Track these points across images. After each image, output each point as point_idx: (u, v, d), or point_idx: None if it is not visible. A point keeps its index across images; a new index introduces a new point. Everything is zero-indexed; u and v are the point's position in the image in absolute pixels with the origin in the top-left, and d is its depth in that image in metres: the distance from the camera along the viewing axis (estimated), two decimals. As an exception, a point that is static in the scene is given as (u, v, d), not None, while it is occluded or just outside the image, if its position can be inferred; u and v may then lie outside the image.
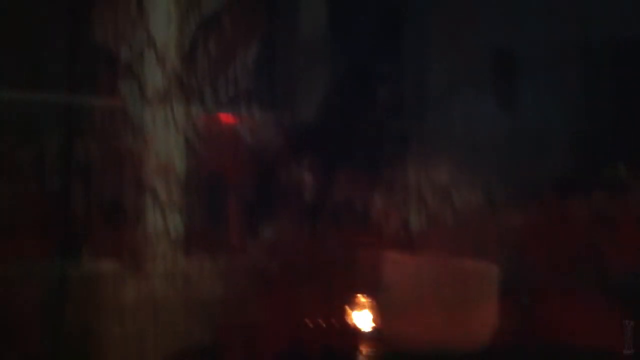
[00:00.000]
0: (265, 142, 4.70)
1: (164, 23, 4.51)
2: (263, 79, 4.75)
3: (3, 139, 4.18)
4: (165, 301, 4.37)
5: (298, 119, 4.87)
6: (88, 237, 4.33)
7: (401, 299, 4.43)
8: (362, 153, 4.72)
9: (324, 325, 4.51)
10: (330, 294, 4.49)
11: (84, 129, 4.40)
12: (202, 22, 4.62)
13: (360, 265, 4.54)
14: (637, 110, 4.55)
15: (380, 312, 4.48)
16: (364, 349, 4.49)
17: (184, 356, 4.31)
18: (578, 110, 4.62)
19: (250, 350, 4.33)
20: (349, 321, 4.55)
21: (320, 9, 5.00)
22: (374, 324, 4.52)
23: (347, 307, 4.56)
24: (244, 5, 4.72)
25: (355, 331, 4.52)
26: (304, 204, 4.69)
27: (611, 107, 4.64)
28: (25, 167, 4.25)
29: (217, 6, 4.67)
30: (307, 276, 4.50)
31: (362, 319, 4.55)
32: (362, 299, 4.55)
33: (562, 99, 4.63)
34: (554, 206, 4.41)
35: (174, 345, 4.34)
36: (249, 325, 4.36)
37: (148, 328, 4.31)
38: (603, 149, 4.55)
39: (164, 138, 4.50)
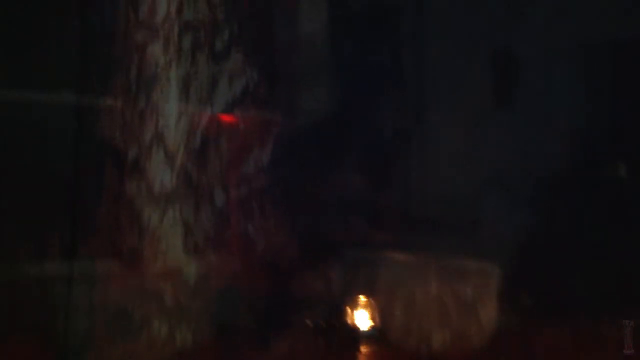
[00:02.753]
0: (278, 247, 4.47)
1: (173, 118, 4.29)
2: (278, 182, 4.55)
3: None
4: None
5: (311, 224, 4.66)
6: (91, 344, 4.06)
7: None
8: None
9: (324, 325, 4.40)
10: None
11: (88, 228, 4.15)
12: (214, 117, 4.40)
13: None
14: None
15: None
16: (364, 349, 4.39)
17: None
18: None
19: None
20: (349, 321, 4.47)
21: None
22: (373, 324, 4.43)
23: (347, 307, 4.46)
24: (258, 100, 4.52)
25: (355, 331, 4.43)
26: (317, 316, 4.45)
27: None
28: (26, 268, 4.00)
29: (230, 101, 4.46)
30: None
31: (362, 319, 4.46)
32: (362, 298, 4.46)
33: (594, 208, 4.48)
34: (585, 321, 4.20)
35: None
36: None
37: None
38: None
39: (172, 240, 4.25)
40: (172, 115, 4.29)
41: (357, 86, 4.81)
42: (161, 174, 4.23)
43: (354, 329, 4.44)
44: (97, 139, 4.18)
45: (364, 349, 4.38)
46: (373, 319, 4.44)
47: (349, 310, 4.47)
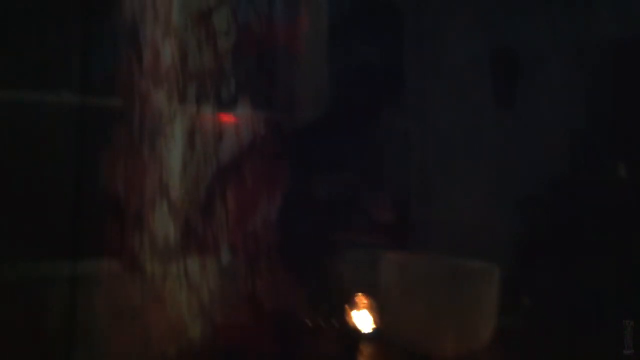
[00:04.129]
0: (287, 305, 4.28)
1: (178, 171, 4.13)
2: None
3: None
4: None
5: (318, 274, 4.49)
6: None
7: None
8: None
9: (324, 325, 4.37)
10: None
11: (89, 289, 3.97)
12: (220, 171, 4.25)
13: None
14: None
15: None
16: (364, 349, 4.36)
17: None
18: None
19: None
20: (349, 321, 4.44)
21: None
22: (374, 324, 4.41)
23: (347, 307, 4.44)
24: (266, 153, 4.37)
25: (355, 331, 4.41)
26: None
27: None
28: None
29: (237, 153, 4.32)
30: None
31: (362, 319, 4.43)
32: (362, 299, 4.44)
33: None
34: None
35: None
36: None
37: None
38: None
39: (176, 296, 4.06)
40: (176, 166, 4.14)
41: (367, 131, 4.71)
42: (165, 228, 4.08)
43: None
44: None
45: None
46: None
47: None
